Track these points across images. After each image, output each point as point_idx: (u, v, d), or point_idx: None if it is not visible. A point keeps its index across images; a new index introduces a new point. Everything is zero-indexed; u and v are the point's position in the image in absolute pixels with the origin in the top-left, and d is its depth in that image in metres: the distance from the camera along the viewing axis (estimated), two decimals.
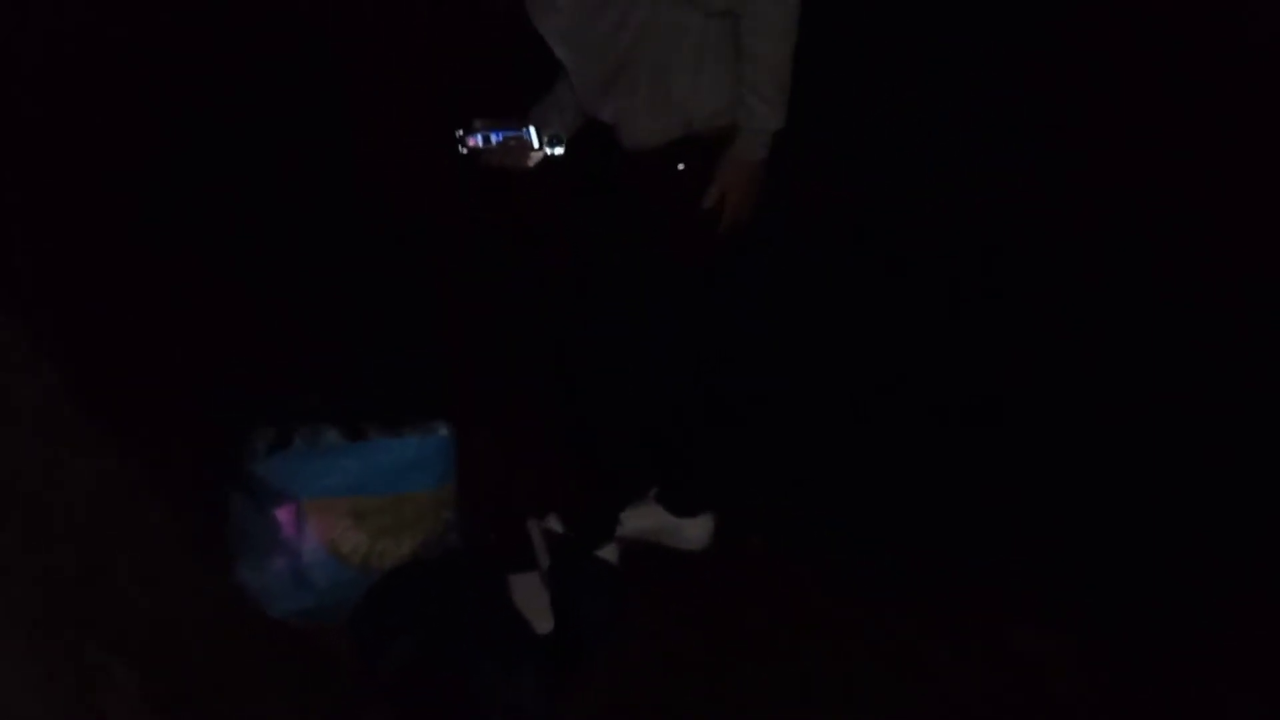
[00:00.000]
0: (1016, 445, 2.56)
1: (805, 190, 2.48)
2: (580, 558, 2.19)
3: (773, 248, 2.36)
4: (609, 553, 2.34)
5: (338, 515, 2.14)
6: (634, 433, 2.35)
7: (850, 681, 2.09)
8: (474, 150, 2.16)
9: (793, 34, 1.99)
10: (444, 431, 2.22)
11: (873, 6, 2.76)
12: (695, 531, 2.46)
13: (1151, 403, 2.53)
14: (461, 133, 2.15)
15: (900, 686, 2.09)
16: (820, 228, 2.73)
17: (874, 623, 2.24)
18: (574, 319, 2.27)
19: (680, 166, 2.08)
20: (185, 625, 1.69)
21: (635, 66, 2.03)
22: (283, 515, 2.12)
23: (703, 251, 2.15)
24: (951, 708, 2.03)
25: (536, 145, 2.16)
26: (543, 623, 2.00)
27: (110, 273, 2.09)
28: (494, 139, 2.16)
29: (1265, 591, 2.17)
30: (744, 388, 2.62)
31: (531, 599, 2.03)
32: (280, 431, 2.19)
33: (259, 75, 2.43)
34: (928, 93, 2.77)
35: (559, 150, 2.16)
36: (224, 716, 1.69)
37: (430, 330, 2.57)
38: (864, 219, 2.82)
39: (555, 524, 2.33)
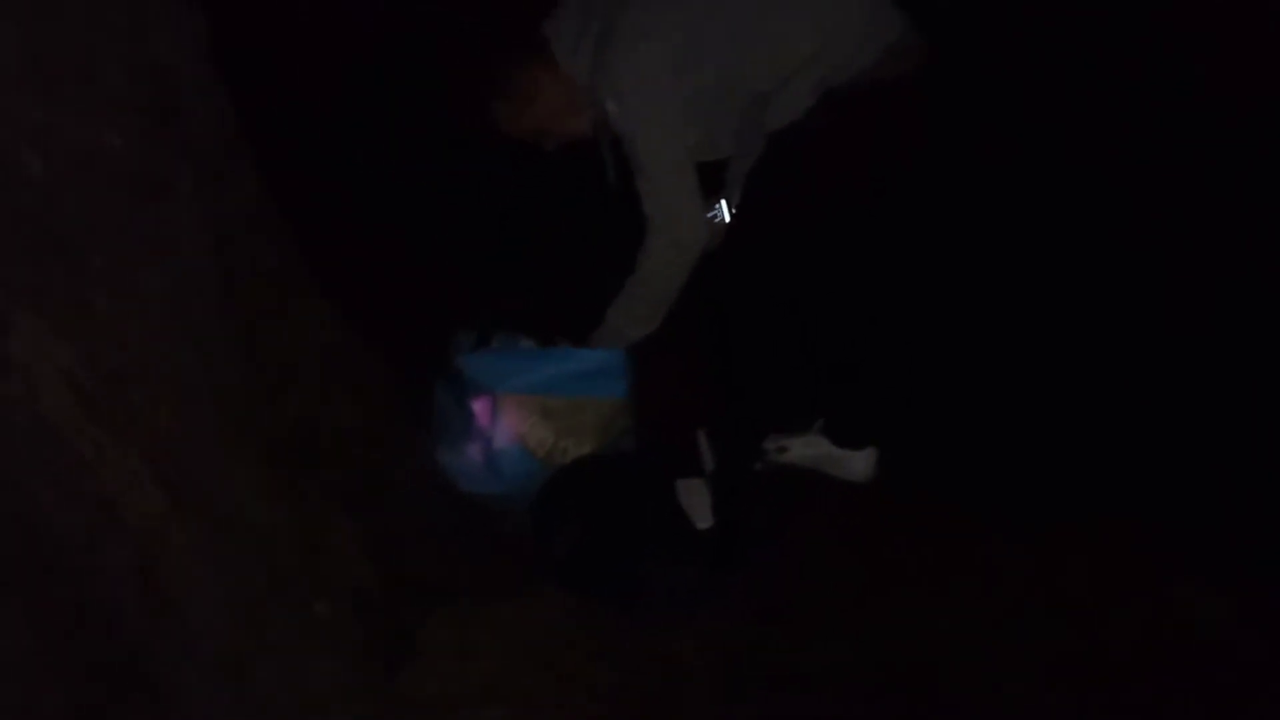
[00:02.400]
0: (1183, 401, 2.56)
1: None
2: (745, 468, 2.35)
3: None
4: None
5: (528, 411, 2.38)
6: (791, 367, 2.50)
7: (1004, 621, 2.14)
8: None
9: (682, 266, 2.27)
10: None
11: None
12: (859, 464, 2.58)
13: None
14: None
15: (1056, 630, 2.12)
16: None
17: (1034, 567, 2.28)
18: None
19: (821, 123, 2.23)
20: (397, 484, 1.94)
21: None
22: (479, 406, 2.38)
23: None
24: (1107, 657, 2.04)
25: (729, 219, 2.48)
26: (703, 520, 2.17)
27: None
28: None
29: None
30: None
31: (695, 500, 2.21)
32: (482, 334, 2.45)
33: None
34: None
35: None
36: (423, 570, 1.95)
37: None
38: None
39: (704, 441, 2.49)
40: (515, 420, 2.38)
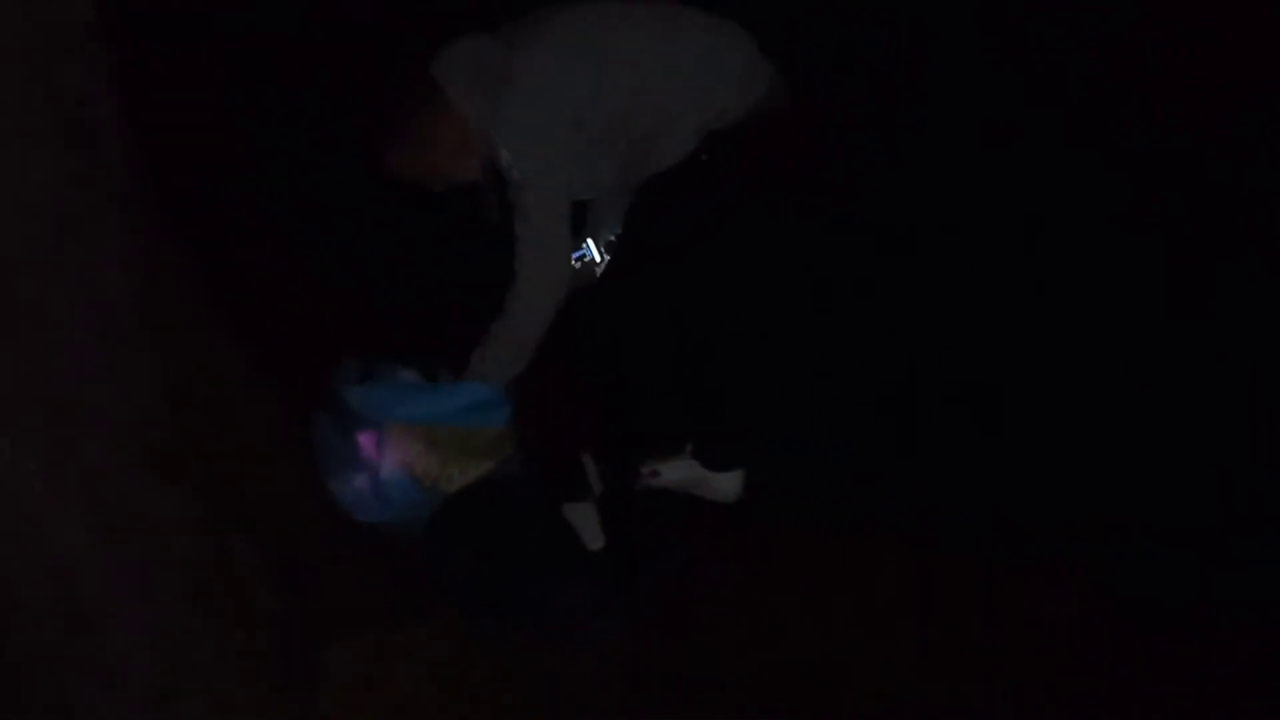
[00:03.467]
0: (1039, 416, 2.83)
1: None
2: (631, 489, 2.47)
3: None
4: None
5: (413, 441, 2.42)
6: (663, 392, 2.64)
7: (875, 625, 2.33)
8: None
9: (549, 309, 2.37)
10: None
11: None
12: (727, 485, 2.72)
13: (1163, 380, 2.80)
14: None
15: (921, 633, 2.32)
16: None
17: (898, 572, 2.48)
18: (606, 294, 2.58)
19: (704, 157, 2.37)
20: (301, 511, 1.96)
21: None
22: (364, 439, 2.41)
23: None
24: (968, 655, 2.24)
25: (600, 259, 2.59)
26: (594, 541, 2.27)
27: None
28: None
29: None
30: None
31: (584, 521, 2.31)
32: (365, 366, 2.48)
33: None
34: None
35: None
36: (330, 597, 1.98)
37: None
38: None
39: (591, 464, 2.60)
40: (401, 450, 2.41)
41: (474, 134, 2.33)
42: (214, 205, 2.34)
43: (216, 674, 1.62)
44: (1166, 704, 2.12)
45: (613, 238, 2.64)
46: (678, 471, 2.73)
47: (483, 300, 2.53)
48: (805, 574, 2.43)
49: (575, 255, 2.56)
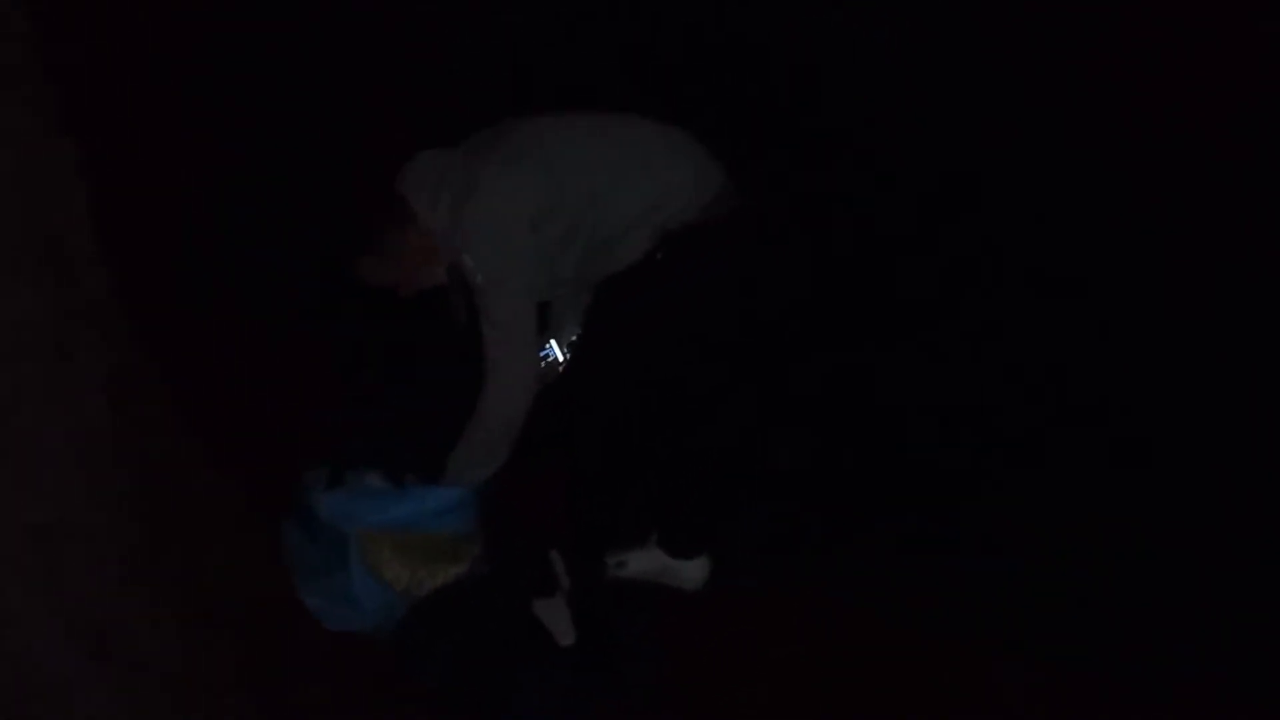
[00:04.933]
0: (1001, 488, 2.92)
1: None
2: (601, 582, 2.53)
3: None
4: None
5: (382, 547, 2.47)
6: (626, 484, 2.72)
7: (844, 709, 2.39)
8: None
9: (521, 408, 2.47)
10: None
11: None
12: (693, 572, 2.79)
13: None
14: None
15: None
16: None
17: (867, 655, 2.53)
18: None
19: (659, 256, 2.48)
20: (270, 618, 2.00)
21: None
22: (334, 546, 2.45)
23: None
24: None
25: (563, 359, 2.73)
26: (565, 637, 2.32)
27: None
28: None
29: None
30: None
31: (555, 617, 2.36)
32: (332, 473, 2.54)
33: None
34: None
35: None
36: (299, 697, 2.01)
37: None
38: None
39: (558, 559, 2.65)
40: (371, 558, 2.46)
41: (440, 242, 2.44)
42: (181, 316, 2.40)
43: None
44: None
45: (574, 337, 2.75)
46: (644, 561, 2.79)
47: (451, 404, 2.60)
48: (784, 657, 2.48)
49: (539, 355, 2.66)
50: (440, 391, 2.62)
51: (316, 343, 2.82)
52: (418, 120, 2.58)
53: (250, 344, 2.65)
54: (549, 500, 2.72)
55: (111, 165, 1.83)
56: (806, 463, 3.06)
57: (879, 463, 3.09)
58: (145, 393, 1.89)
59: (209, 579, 1.92)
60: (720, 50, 3.51)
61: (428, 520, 2.52)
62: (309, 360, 2.80)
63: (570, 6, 3.48)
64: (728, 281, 2.54)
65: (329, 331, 2.89)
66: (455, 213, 2.39)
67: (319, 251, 2.51)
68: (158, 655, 1.66)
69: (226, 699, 1.80)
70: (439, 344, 2.63)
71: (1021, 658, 2.51)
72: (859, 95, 3.36)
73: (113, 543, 1.61)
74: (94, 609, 1.54)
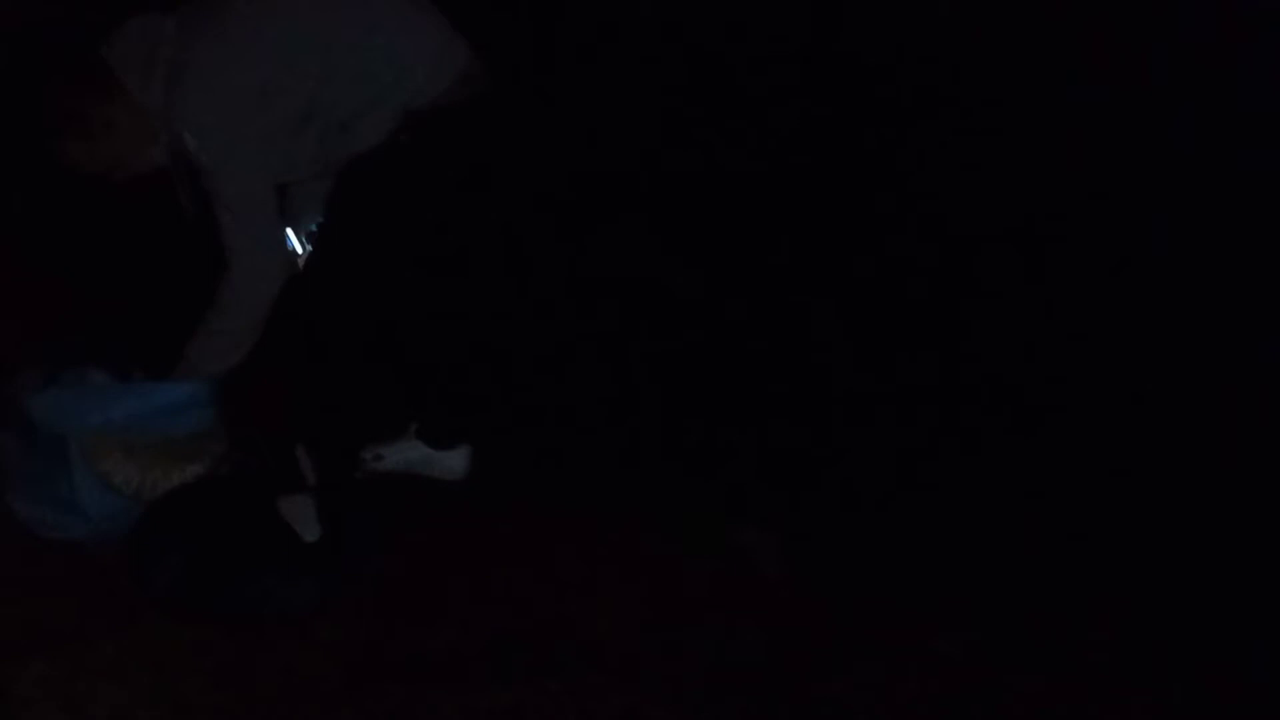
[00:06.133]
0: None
1: None
2: (346, 479, 2.44)
3: None
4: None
5: (108, 449, 2.31)
6: (382, 377, 2.62)
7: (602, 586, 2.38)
8: None
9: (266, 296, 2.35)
10: None
11: None
12: (454, 462, 2.73)
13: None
14: None
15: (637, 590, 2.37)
16: None
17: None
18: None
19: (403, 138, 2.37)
20: None
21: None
22: (53, 450, 2.27)
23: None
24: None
25: (301, 251, 2.57)
26: (310, 533, 2.24)
27: None
28: None
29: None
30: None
31: (300, 513, 2.27)
32: (49, 371, 2.34)
33: None
34: None
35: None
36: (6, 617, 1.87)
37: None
38: None
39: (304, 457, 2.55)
40: (96, 461, 2.30)
41: (154, 119, 2.25)
42: None
43: None
44: None
45: (313, 227, 2.60)
46: (402, 453, 2.71)
47: (180, 291, 2.44)
48: (533, 550, 2.45)
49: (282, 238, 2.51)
50: (166, 278, 2.45)
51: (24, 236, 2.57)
52: None
53: None
54: (294, 396, 2.61)
55: None
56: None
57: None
58: None
59: None
60: None
61: (159, 419, 2.37)
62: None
63: None
64: (478, 167, 2.45)
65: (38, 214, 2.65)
66: (171, 89, 2.21)
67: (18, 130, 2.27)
68: None
69: None
70: (160, 228, 2.45)
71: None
72: None
73: None
74: None
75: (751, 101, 3.03)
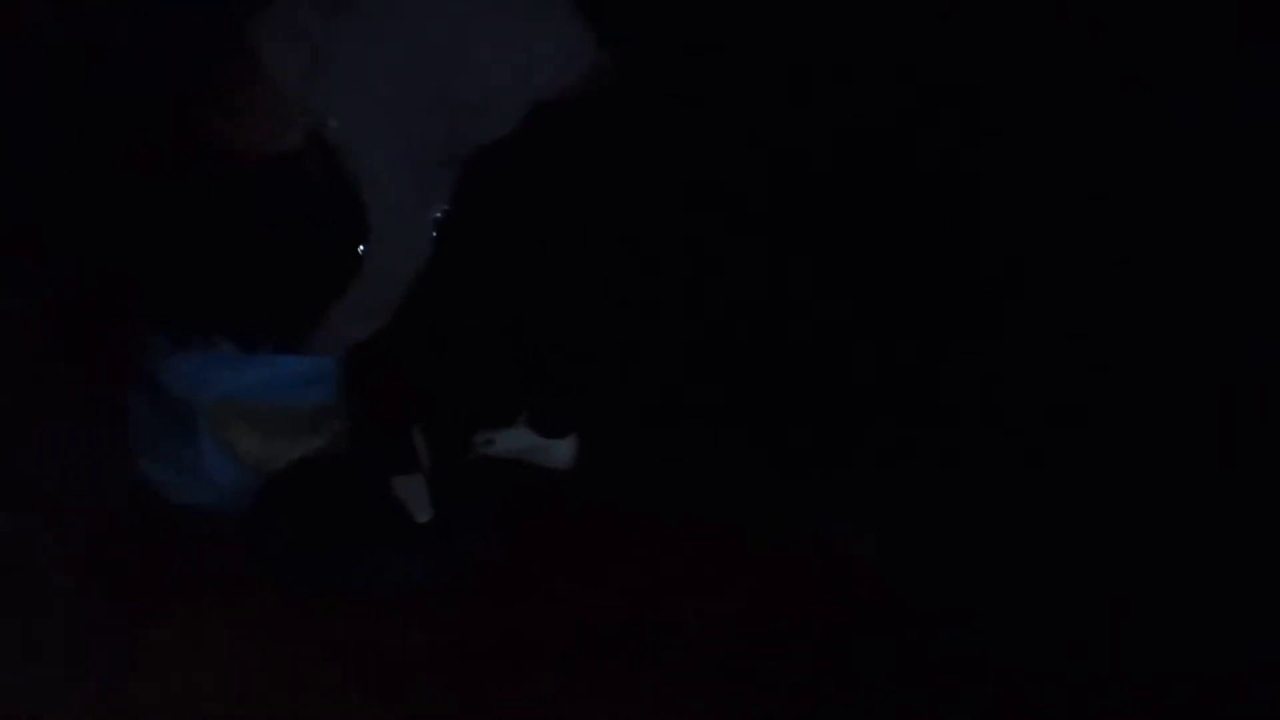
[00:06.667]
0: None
1: None
2: (458, 463, 2.49)
3: None
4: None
5: (233, 418, 2.39)
6: (497, 365, 2.66)
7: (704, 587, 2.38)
8: None
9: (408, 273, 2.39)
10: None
11: None
12: (561, 452, 2.76)
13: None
14: None
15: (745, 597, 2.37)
16: None
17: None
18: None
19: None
20: (105, 490, 1.92)
21: None
22: (181, 416, 2.36)
23: None
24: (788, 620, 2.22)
25: None
26: (422, 514, 2.29)
27: None
28: None
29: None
30: None
31: (413, 494, 2.32)
32: (178, 339, 2.43)
33: None
34: None
35: None
36: (135, 576, 1.94)
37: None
38: None
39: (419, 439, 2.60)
40: (220, 429, 2.38)
41: (293, 102, 2.30)
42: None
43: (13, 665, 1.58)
44: None
45: (439, 214, 2.64)
46: (513, 440, 2.76)
47: (305, 269, 2.50)
48: (634, 545, 2.46)
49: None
50: (300, 254, 2.51)
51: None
52: None
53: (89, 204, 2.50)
54: (414, 377, 2.66)
55: None
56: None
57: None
58: None
59: (35, 452, 1.83)
60: None
61: (284, 390, 2.44)
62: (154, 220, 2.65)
63: None
64: (604, 162, 2.47)
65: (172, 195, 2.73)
66: (313, 72, 2.26)
67: (152, 107, 2.35)
68: None
69: (55, 580, 1.73)
70: (294, 206, 2.51)
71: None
72: None
73: None
74: None
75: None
